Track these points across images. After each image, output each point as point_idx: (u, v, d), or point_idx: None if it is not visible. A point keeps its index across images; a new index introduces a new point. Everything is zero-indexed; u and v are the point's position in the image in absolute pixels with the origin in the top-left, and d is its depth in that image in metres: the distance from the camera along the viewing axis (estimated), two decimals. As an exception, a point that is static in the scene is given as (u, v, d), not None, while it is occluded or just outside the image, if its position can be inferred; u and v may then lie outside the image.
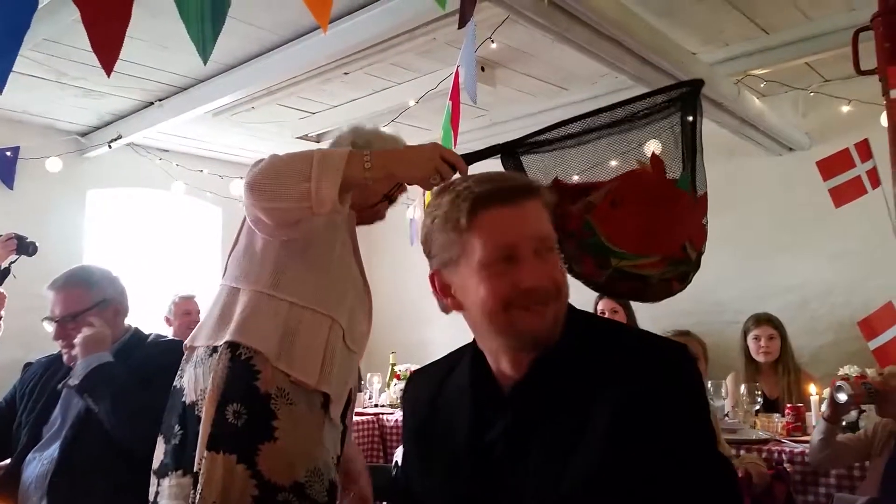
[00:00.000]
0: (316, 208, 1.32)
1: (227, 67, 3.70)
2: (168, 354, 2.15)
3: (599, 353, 1.05)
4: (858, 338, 1.35)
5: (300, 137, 4.98)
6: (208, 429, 1.45)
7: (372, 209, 1.72)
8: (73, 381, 1.97)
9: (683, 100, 1.43)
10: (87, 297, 2.08)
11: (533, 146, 1.47)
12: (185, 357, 1.64)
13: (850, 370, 3.03)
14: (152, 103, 4.20)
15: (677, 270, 1.41)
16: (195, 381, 1.54)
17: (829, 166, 1.52)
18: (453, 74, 2.73)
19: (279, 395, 1.48)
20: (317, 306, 1.55)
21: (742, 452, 2.72)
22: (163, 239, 5.49)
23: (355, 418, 3.38)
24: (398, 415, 3.77)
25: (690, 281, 1.44)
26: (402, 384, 4.12)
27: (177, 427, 1.56)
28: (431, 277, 1.08)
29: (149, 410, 1.96)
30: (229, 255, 1.66)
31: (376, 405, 4.24)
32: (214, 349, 1.52)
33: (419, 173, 1.36)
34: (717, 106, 3.55)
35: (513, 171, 1.45)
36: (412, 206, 4.73)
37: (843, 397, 2.32)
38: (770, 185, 4.32)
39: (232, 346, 1.49)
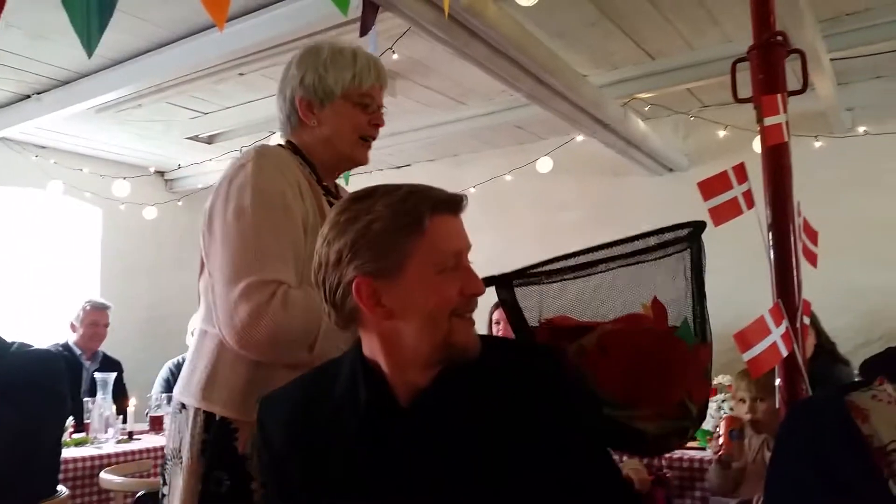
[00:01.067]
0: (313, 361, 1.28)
1: (114, 62, 3.51)
2: (33, 365, 2.00)
3: (492, 362, 1.09)
4: (731, 349, 1.44)
5: (190, 138, 4.80)
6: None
7: None
8: None
9: (688, 241, 1.37)
10: None
11: (529, 278, 1.39)
12: None
13: (724, 379, 3.23)
14: (29, 96, 3.94)
15: (675, 426, 1.32)
16: (170, 436, 1.45)
17: (708, 187, 1.60)
18: (353, 82, 2.71)
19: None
20: None
21: (625, 458, 2.80)
22: (37, 241, 5.14)
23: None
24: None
25: (692, 437, 1.37)
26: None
27: (161, 480, 1.47)
28: (357, 285, 1.02)
29: (6, 427, 1.81)
30: (199, 280, 1.47)
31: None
32: (183, 406, 1.42)
33: None
34: (604, 127, 3.71)
35: (508, 302, 1.38)
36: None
37: (735, 464, 2.55)
38: (651, 204, 4.51)
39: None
